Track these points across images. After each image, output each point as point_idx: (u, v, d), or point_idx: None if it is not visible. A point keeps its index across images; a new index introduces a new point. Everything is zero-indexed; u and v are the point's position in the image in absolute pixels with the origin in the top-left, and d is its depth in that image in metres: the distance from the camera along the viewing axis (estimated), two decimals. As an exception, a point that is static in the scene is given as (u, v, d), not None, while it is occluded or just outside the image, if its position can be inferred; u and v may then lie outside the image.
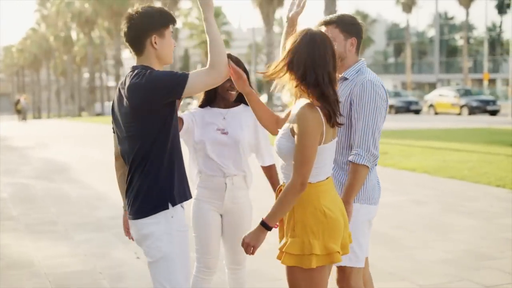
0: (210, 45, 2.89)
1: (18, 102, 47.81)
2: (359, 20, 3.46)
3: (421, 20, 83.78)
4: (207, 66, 2.89)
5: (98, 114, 60.93)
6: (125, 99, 2.96)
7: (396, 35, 72.82)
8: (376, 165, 3.32)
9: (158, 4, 3.06)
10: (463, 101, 35.01)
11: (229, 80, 3.20)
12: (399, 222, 7.39)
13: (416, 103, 39.53)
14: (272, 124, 3.21)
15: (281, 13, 46.10)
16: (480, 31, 69.22)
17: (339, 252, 2.90)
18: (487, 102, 34.91)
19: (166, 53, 3.03)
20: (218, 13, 54.07)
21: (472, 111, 34.29)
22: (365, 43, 54.09)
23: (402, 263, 5.70)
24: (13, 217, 8.33)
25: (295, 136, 2.83)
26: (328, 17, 3.42)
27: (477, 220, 7.47)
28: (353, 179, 3.22)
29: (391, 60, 74.39)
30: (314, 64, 2.84)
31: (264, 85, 35.99)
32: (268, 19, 39.19)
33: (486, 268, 5.48)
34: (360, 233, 3.32)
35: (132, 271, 5.61)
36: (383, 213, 7.24)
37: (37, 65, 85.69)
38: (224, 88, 3.66)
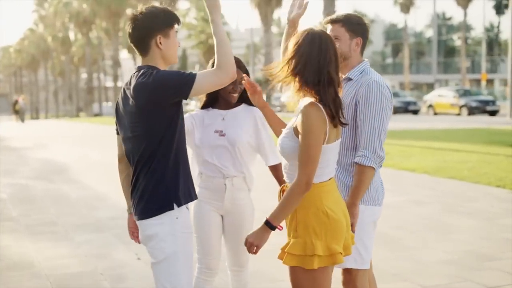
0: (217, 46, 2.89)
1: (16, 102, 47.75)
2: (366, 20, 3.44)
3: (419, 21, 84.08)
4: (215, 67, 2.89)
5: (96, 115, 60.92)
6: (131, 99, 2.95)
7: (394, 36, 72.88)
8: (381, 166, 3.31)
9: (155, 5, 3.04)
10: (462, 101, 35.04)
11: (232, 82, 3.20)
12: (400, 223, 7.39)
13: (415, 103, 39.56)
14: None
15: (279, 14, 46.21)
16: (478, 32, 69.37)
17: (341, 253, 2.89)
18: (486, 103, 34.95)
19: (171, 53, 3.03)
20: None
21: (472, 111, 34.32)
22: (363, 44, 53.91)
23: (403, 264, 5.69)
24: (13, 218, 8.32)
25: (299, 136, 2.83)
26: (334, 16, 3.40)
27: (478, 220, 7.47)
28: (359, 181, 3.21)
29: (389, 60, 74.44)
30: (317, 64, 2.85)
31: (262, 85, 35.95)
32: (266, 20, 39.23)
33: (488, 269, 5.48)
34: (366, 235, 3.31)
35: (133, 272, 5.59)
36: (384, 214, 7.18)
37: (35, 65, 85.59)
38: (226, 90, 3.65)
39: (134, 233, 3.33)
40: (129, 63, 75.12)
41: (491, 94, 43.99)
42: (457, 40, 67.45)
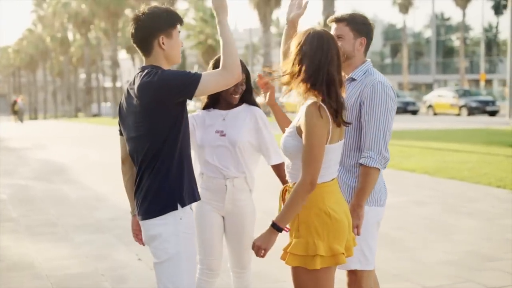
0: (223, 47, 2.89)
1: (15, 103, 47.72)
2: (371, 21, 3.43)
3: (417, 21, 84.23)
4: (220, 67, 2.88)
5: (94, 115, 60.91)
6: (135, 98, 2.94)
7: (393, 36, 72.96)
8: (385, 167, 3.30)
9: (154, 5, 3.03)
10: (462, 101, 35.04)
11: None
12: (400, 223, 7.38)
13: (413, 103, 39.57)
14: None
15: (278, 14, 46.22)
16: (476, 32, 69.53)
17: (343, 254, 2.89)
18: (486, 103, 34.91)
19: (174, 53, 3.02)
20: (214, 14, 53.94)
21: (472, 111, 34.30)
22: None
23: (405, 264, 5.69)
24: (13, 218, 8.30)
25: (303, 135, 2.83)
26: (339, 15, 3.39)
27: (479, 221, 7.46)
28: (365, 182, 3.19)
29: (388, 60, 74.51)
30: (319, 64, 2.85)
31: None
32: (265, 20, 39.18)
33: (490, 269, 5.47)
34: (370, 235, 3.30)
35: (134, 273, 5.58)
36: (384, 214, 7.21)
37: (33, 66, 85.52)
38: (228, 91, 3.64)
39: (138, 235, 3.31)
40: (128, 64, 75.12)
41: (490, 94, 44.01)
42: (455, 40, 67.57)
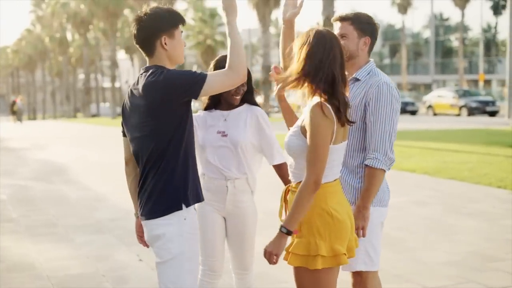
0: (231, 47, 2.88)
1: (14, 103, 47.70)
2: (375, 21, 3.41)
3: (416, 21, 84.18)
4: (226, 67, 2.87)
5: (93, 115, 60.91)
6: (139, 98, 2.93)
7: (392, 36, 72.97)
8: (389, 169, 3.28)
9: (154, 5, 3.03)
10: (462, 102, 35.03)
11: None
12: (401, 224, 7.37)
13: (413, 104, 39.60)
14: None
15: (277, 14, 46.14)
16: (475, 32, 69.57)
17: (345, 254, 2.88)
18: (486, 103, 34.89)
19: (177, 53, 3.01)
20: (214, 15, 53.96)
21: (471, 112, 34.29)
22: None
23: (406, 265, 5.68)
24: (13, 219, 8.29)
25: (307, 135, 2.82)
26: (344, 13, 3.36)
27: (480, 221, 7.45)
28: (371, 184, 3.18)
29: (387, 61, 74.52)
30: (322, 63, 2.84)
31: (260, 86, 35.95)
32: (264, 20, 39.20)
33: (492, 270, 5.46)
34: (374, 236, 3.28)
35: (135, 274, 5.57)
36: (386, 215, 7.21)
37: (32, 66, 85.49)
38: (229, 93, 3.63)
39: (142, 237, 3.29)
40: (127, 64, 75.03)
41: (489, 94, 44.03)
42: (454, 40, 67.61)
